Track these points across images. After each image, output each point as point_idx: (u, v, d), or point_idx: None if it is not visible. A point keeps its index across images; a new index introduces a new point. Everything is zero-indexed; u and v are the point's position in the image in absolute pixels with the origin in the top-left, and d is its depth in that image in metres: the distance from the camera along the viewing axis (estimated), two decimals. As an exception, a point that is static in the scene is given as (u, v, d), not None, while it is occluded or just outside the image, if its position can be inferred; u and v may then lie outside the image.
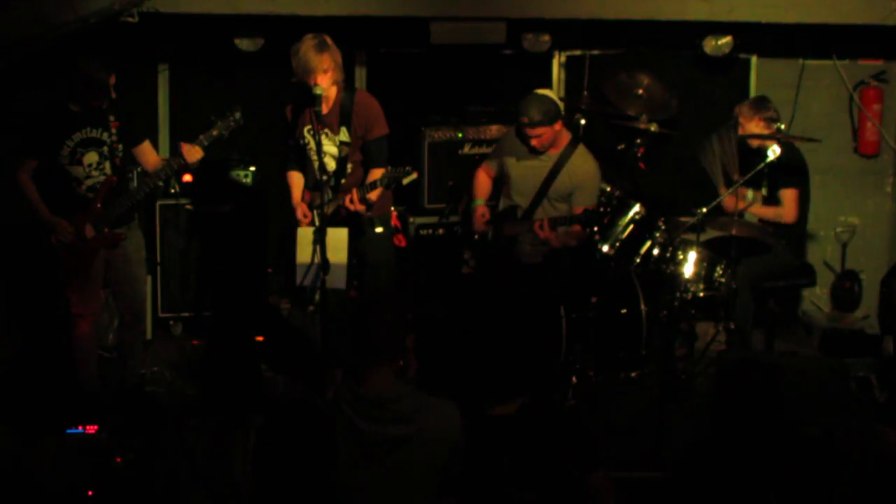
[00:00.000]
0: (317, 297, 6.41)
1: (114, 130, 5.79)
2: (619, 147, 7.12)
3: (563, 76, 7.79)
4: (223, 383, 3.99)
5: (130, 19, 6.46)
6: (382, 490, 3.93)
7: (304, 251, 5.80)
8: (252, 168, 7.30)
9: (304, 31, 5.96)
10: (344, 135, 5.97)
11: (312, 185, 6.07)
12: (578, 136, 6.55)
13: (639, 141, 6.93)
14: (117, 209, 5.82)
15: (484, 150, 7.31)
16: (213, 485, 3.98)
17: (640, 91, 7.18)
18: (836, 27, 7.12)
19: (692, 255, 6.40)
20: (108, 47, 6.63)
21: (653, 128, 6.90)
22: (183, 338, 7.27)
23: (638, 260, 6.47)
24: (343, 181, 6.01)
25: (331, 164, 6.01)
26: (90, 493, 4.31)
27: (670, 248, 6.39)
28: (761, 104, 6.63)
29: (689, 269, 6.40)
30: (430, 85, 7.70)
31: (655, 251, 6.44)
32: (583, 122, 6.97)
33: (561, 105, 6.34)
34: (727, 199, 6.59)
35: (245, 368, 4.03)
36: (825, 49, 7.63)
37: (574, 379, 6.31)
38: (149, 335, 7.01)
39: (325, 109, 5.88)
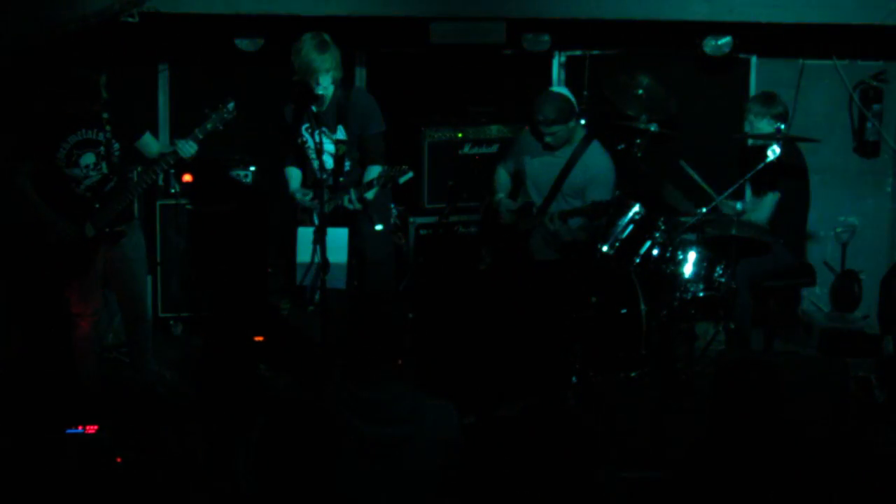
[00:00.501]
0: (317, 297, 6.41)
1: (108, 129, 5.79)
2: (619, 147, 7.12)
3: (563, 76, 7.78)
4: (220, 383, 3.99)
5: (130, 19, 6.46)
6: (381, 490, 3.93)
7: (304, 251, 5.80)
8: (252, 168, 7.30)
9: (304, 31, 5.96)
10: (341, 133, 5.98)
11: (311, 184, 6.08)
12: (593, 132, 6.55)
13: (639, 141, 6.93)
14: (116, 207, 5.83)
15: (484, 150, 7.32)
16: (213, 485, 3.99)
17: (640, 91, 7.19)
18: (836, 27, 7.12)
19: (692, 255, 6.40)
20: (104, 47, 6.66)
21: (653, 128, 6.90)
22: (183, 338, 7.27)
23: (638, 260, 6.48)
24: (341, 179, 6.02)
25: (329, 163, 6.02)
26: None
27: (670, 248, 6.39)
28: (772, 100, 6.62)
29: (689, 269, 6.40)
30: (430, 85, 7.70)
31: (655, 251, 6.44)
32: (583, 122, 6.98)
33: (575, 103, 6.37)
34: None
35: (242, 368, 4.02)
36: (825, 49, 7.63)
37: (574, 379, 6.31)
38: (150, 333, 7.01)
39: (323, 108, 5.89)
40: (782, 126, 6.56)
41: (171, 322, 7.28)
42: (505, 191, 6.65)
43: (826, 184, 7.64)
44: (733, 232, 6.26)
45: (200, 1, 6.70)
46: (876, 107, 7.65)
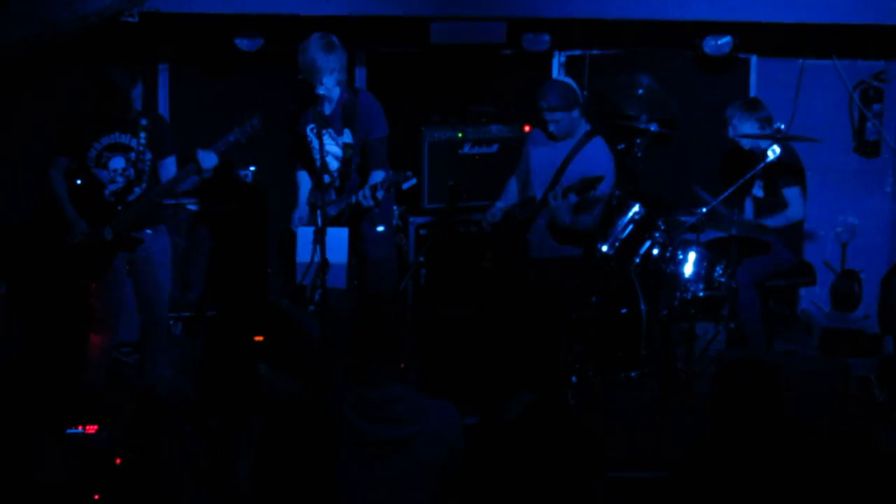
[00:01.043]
0: (317, 296, 6.41)
1: (143, 136, 5.78)
2: (619, 147, 7.12)
3: (563, 76, 7.78)
4: (219, 383, 3.99)
5: (130, 19, 6.46)
6: (382, 491, 3.93)
7: (304, 251, 5.80)
8: (252, 168, 7.30)
9: (304, 31, 5.96)
10: (348, 136, 5.97)
11: (315, 184, 6.08)
12: (596, 129, 6.55)
13: (639, 141, 6.93)
14: (138, 212, 5.80)
15: (484, 150, 7.31)
16: (213, 485, 3.99)
17: (640, 91, 7.18)
18: (836, 27, 7.13)
19: (692, 255, 6.40)
20: (104, 47, 6.66)
21: (653, 128, 6.90)
22: (183, 338, 7.27)
23: (638, 260, 6.48)
24: (347, 182, 6.02)
25: (333, 165, 6.01)
26: (96, 496, 4.31)
27: (670, 248, 6.39)
28: (755, 105, 6.65)
29: (689, 269, 6.40)
30: (430, 85, 7.70)
31: (655, 251, 6.44)
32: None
33: (579, 93, 6.35)
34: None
35: (241, 368, 4.02)
36: (825, 49, 7.63)
37: (574, 379, 6.31)
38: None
39: (328, 110, 5.90)
40: (782, 126, 6.56)
41: (171, 322, 7.28)
42: (509, 200, 6.62)
43: (826, 184, 7.64)
44: (733, 232, 6.27)
45: (200, 1, 6.70)
46: (876, 107, 7.65)
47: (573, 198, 6.09)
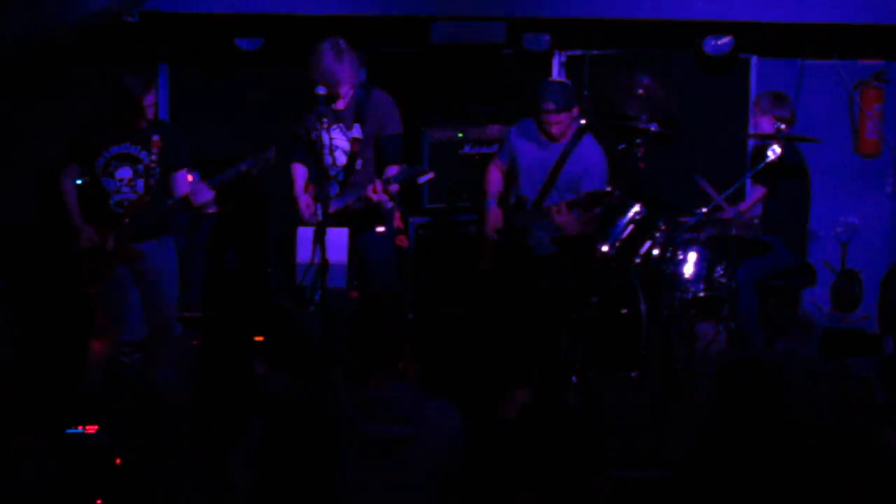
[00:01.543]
0: (317, 296, 6.41)
1: (155, 150, 5.75)
2: (619, 147, 7.12)
3: (563, 76, 7.78)
4: (217, 383, 3.99)
5: (130, 19, 6.46)
6: (383, 490, 3.92)
7: (304, 251, 5.80)
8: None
9: (304, 31, 5.96)
10: (357, 131, 5.99)
11: (317, 178, 6.07)
12: (585, 126, 6.55)
13: (639, 141, 6.93)
14: (143, 224, 5.78)
15: (484, 150, 7.31)
16: (213, 485, 3.98)
17: (640, 91, 7.18)
18: (836, 27, 7.13)
19: (692, 255, 6.40)
20: (104, 47, 6.66)
21: (653, 128, 6.90)
22: (183, 338, 7.26)
23: (638, 260, 6.48)
24: (351, 177, 6.03)
25: (341, 159, 6.03)
26: (98, 501, 4.32)
27: (670, 248, 6.39)
28: (781, 101, 6.63)
29: (689, 269, 6.40)
30: (430, 85, 7.69)
31: (655, 251, 6.44)
32: (583, 122, 6.97)
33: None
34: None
35: (239, 368, 4.02)
36: (825, 49, 7.63)
37: (574, 379, 6.31)
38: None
39: (342, 105, 5.91)
40: (782, 126, 6.57)
41: (171, 322, 7.28)
42: (497, 194, 6.60)
43: (826, 184, 7.64)
44: (733, 232, 6.27)
45: (200, 1, 6.70)
46: (876, 107, 7.65)
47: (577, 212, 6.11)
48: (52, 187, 5.84)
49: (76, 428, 5.49)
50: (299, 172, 6.15)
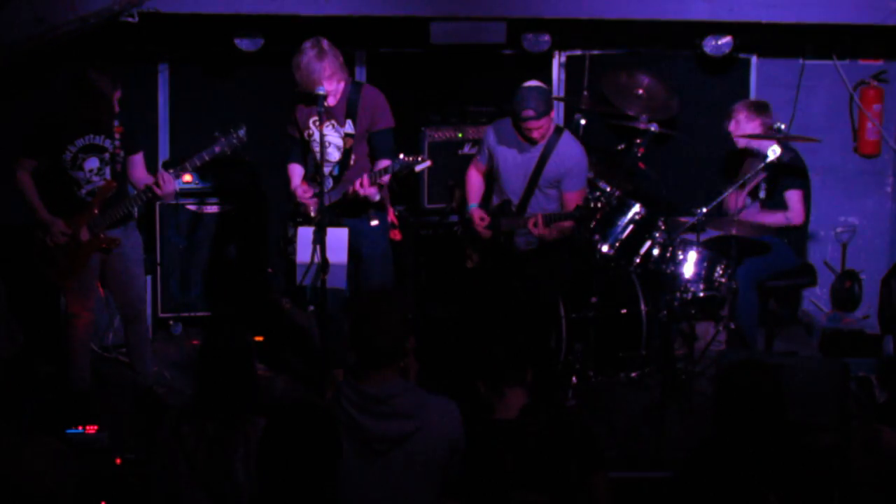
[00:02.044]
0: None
1: (117, 136, 5.87)
2: (619, 147, 7.12)
3: (563, 76, 7.78)
4: (217, 383, 4.00)
5: (130, 19, 6.46)
6: (384, 487, 3.93)
7: (304, 251, 5.80)
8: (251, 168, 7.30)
9: (305, 31, 5.96)
10: (350, 127, 6.00)
11: (312, 176, 6.08)
12: (562, 124, 6.54)
13: (639, 141, 6.93)
14: (113, 215, 5.89)
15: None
16: (213, 485, 3.99)
17: (640, 91, 7.18)
18: (836, 27, 7.12)
19: (692, 255, 6.40)
20: (104, 47, 6.66)
21: (653, 128, 6.90)
22: (183, 338, 7.27)
23: (638, 260, 6.48)
24: (346, 172, 6.03)
25: (335, 155, 6.04)
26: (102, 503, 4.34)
27: (670, 248, 6.39)
28: (764, 108, 6.66)
29: (689, 269, 6.39)
30: (430, 85, 7.69)
31: (655, 251, 6.45)
32: (583, 122, 6.97)
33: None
34: (730, 199, 6.62)
35: (239, 368, 4.03)
36: (825, 49, 7.63)
37: (574, 379, 6.31)
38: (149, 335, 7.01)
39: (332, 102, 5.92)
40: (782, 126, 6.56)
41: (171, 322, 7.27)
42: (478, 197, 6.59)
43: (826, 184, 7.65)
44: (733, 231, 6.27)
45: (200, 1, 6.69)
46: (876, 107, 7.65)
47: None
48: (10, 184, 5.90)
49: (76, 428, 5.50)
50: (296, 171, 6.17)
